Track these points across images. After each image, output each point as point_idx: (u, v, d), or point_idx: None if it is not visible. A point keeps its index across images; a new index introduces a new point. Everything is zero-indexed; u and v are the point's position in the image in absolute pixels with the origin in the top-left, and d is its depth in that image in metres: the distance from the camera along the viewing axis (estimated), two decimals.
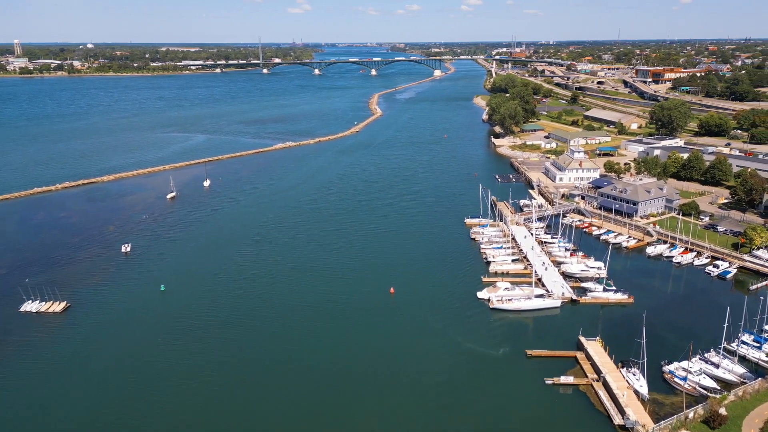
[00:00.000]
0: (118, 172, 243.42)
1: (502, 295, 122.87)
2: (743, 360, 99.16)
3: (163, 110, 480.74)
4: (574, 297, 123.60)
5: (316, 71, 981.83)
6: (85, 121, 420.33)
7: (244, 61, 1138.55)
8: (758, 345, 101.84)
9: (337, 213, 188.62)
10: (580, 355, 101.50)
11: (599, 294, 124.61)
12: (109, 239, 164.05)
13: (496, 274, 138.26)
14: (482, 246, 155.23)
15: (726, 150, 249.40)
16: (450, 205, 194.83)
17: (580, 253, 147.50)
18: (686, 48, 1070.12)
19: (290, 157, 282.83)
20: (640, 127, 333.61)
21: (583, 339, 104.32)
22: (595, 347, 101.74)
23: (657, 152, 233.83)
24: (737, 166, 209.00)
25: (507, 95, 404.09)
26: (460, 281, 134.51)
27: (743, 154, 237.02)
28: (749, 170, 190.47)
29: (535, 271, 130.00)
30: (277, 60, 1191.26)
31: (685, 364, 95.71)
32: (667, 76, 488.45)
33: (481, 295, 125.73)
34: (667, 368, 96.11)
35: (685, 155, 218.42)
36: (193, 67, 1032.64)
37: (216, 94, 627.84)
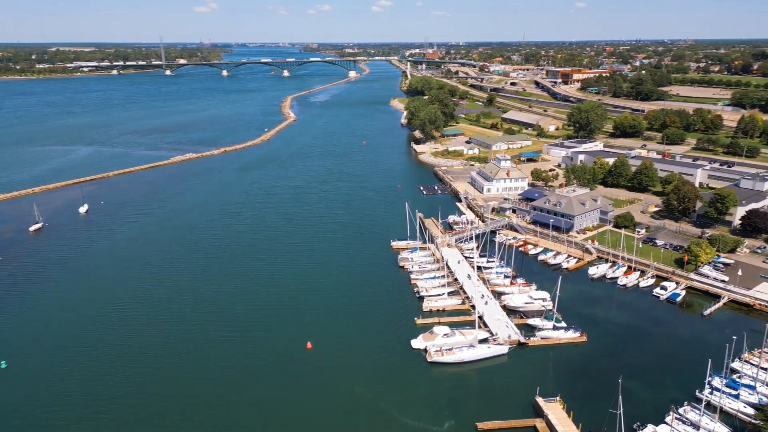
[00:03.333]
0: None
1: (440, 345, 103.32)
2: (722, 412, 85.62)
3: (49, 118, 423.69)
4: (522, 339, 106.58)
5: (225, 72, 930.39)
6: None
7: (145, 62, 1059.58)
8: (735, 393, 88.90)
9: (241, 242, 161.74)
10: (540, 423, 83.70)
11: (549, 333, 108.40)
12: None
13: (431, 312, 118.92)
14: (413, 276, 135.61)
15: (644, 152, 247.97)
16: (374, 226, 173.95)
17: (521, 280, 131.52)
18: (586, 49, 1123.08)
19: (190, 172, 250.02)
20: (557, 129, 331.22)
21: (540, 401, 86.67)
22: (556, 411, 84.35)
23: (581, 157, 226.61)
24: (660, 170, 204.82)
25: (425, 98, 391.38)
26: (391, 325, 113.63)
27: (661, 156, 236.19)
28: (677, 176, 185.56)
29: (476, 308, 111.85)
30: (182, 61, 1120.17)
31: (663, 429, 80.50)
32: (576, 77, 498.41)
33: (416, 344, 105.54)
34: None
35: (610, 160, 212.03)
36: (85, 69, 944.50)
37: (114, 98, 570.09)
